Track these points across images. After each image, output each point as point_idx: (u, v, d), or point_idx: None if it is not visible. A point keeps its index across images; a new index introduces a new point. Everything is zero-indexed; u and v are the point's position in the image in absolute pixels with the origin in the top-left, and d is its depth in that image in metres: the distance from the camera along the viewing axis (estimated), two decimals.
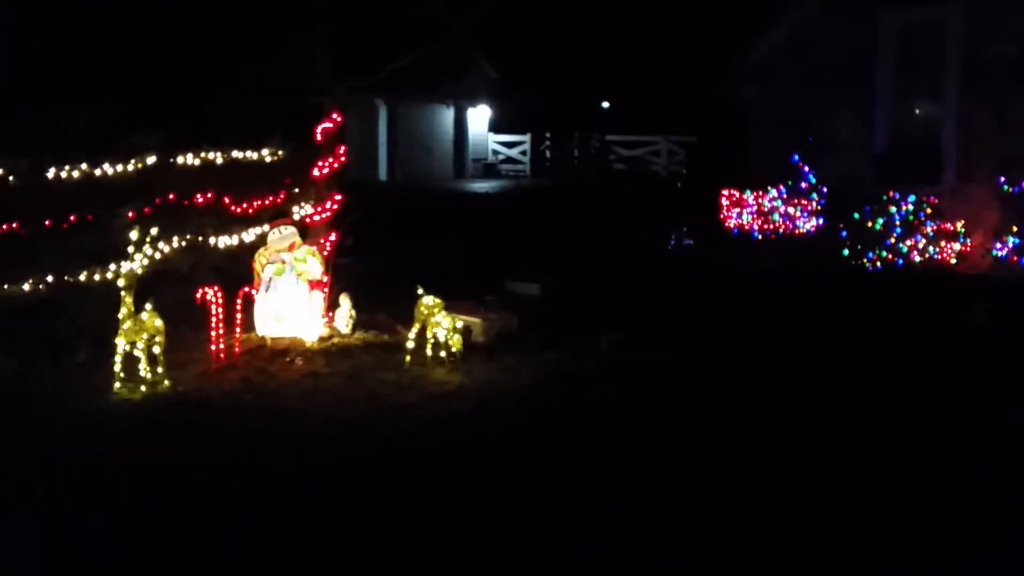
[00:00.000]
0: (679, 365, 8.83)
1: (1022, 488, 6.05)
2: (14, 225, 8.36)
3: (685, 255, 15.53)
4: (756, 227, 16.06)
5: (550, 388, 8.21)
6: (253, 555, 5.20)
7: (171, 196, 9.19)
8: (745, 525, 5.48)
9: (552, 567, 5.04)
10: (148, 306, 8.23)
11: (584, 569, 5.04)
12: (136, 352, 8.11)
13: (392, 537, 5.38)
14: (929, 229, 13.75)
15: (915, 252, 13.71)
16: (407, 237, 15.45)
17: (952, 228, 13.71)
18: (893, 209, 13.99)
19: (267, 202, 10.10)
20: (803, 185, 15.53)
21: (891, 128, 15.22)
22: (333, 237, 10.27)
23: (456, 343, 8.89)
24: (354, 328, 9.89)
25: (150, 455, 6.65)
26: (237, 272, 9.71)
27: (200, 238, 9.38)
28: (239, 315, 9.30)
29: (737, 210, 16.37)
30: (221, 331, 8.99)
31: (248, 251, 9.77)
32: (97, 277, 8.50)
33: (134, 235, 8.35)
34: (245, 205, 9.86)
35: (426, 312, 8.94)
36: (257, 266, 9.57)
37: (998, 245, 13.36)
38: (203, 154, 9.54)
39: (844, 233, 14.34)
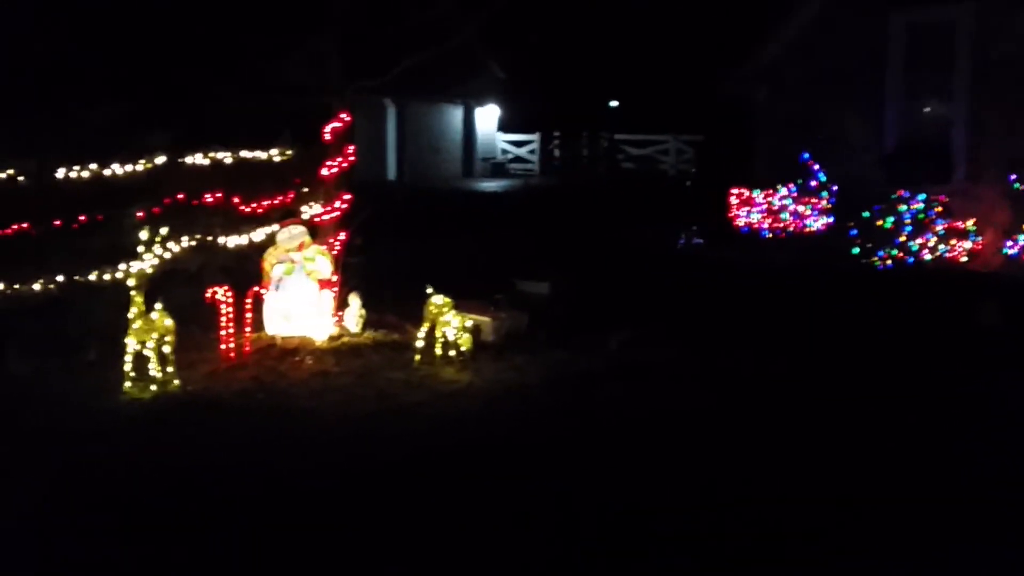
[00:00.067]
0: (688, 365, 8.82)
1: None
2: (24, 225, 8.38)
3: (694, 254, 15.51)
4: (766, 226, 16.02)
5: (559, 387, 8.21)
6: (261, 555, 5.20)
7: (180, 196, 9.20)
8: (746, 525, 5.47)
9: (552, 567, 5.03)
10: (158, 305, 8.25)
11: (584, 569, 5.03)
12: (146, 351, 8.12)
13: (397, 536, 5.38)
14: (939, 227, 13.70)
15: (925, 250, 13.67)
16: (416, 236, 15.45)
17: (962, 227, 13.66)
18: (903, 207, 13.94)
19: (276, 202, 10.12)
20: (813, 183, 15.49)
21: (901, 127, 15.17)
22: (342, 236, 10.28)
23: (465, 342, 8.89)
24: (364, 327, 9.90)
25: (160, 455, 6.66)
26: (247, 271, 9.72)
27: (209, 238, 9.39)
28: (249, 314, 9.31)
29: (746, 209, 16.33)
30: (231, 330, 9.00)
31: (257, 251, 9.78)
32: (107, 277, 8.52)
33: (144, 235, 8.36)
34: (254, 205, 9.87)
35: (435, 311, 8.94)
36: (267, 265, 9.58)
37: (1009, 243, 13.31)
38: (212, 154, 9.55)
39: (854, 232, 14.30)
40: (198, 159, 9.49)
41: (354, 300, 9.91)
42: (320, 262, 9.62)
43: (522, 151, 34.79)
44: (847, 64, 15.38)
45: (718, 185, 17.70)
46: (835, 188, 15.22)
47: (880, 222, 14.06)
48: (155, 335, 8.15)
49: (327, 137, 10.17)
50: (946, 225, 13.70)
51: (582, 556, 5.13)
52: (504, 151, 35.01)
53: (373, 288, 10.40)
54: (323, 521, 5.56)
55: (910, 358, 8.99)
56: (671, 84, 34.69)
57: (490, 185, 29.21)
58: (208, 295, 8.96)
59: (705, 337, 9.79)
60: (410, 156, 30.52)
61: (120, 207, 8.88)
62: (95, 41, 11.67)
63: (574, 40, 33.87)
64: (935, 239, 13.65)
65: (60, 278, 8.44)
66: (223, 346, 8.96)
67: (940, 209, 13.81)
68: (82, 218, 8.74)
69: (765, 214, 16.06)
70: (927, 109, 15.26)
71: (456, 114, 32.79)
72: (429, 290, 9.07)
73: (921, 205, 13.86)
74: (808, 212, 15.49)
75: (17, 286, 8.24)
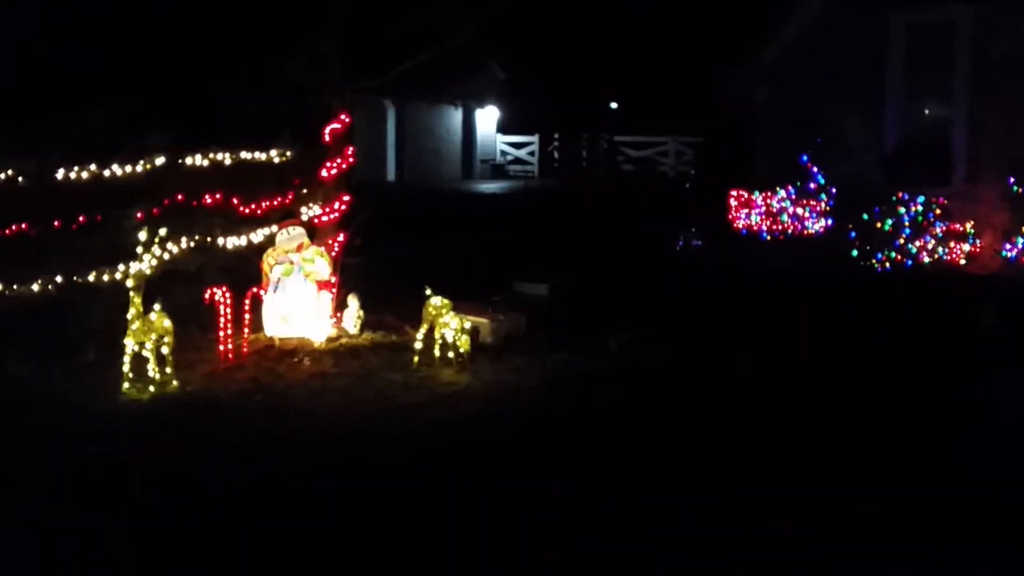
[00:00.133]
0: (687, 366, 8.81)
1: None
2: (23, 226, 8.38)
3: (693, 256, 15.51)
4: (765, 228, 16.03)
5: (558, 389, 8.21)
6: (260, 556, 5.20)
7: (180, 197, 9.20)
8: (746, 525, 5.47)
9: (552, 567, 5.03)
10: (157, 306, 8.25)
11: (584, 569, 5.03)
12: (145, 352, 8.12)
13: (395, 537, 5.38)
14: (938, 230, 13.71)
15: (924, 253, 13.68)
16: (415, 238, 15.44)
17: (961, 229, 13.67)
18: (902, 210, 13.95)
19: (275, 203, 10.12)
20: (812, 186, 15.50)
21: (900, 128, 15.18)
22: (341, 238, 10.27)
23: (464, 344, 8.89)
24: (362, 328, 9.90)
25: (158, 455, 6.65)
26: (245, 272, 9.72)
27: (208, 238, 9.39)
28: (247, 315, 9.31)
29: (746, 211, 16.34)
30: (229, 331, 9.00)
31: (256, 252, 9.78)
32: (106, 277, 8.52)
33: (143, 235, 8.36)
34: (253, 206, 9.87)
35: (434, 313, 8.94)
36: (265, 266, 9.58)
37: (1008, 246, 13.32)
38: (211, 155, 9.55)
39: (853, 234, 14.30)
40: (198, 160, 9.49)
41: (353, 301, 9.91)
42: (319, 263, 9.62)
43: (521, 152, 34.80)
44: (847, 65, 15.39)
45: (717, 187, 17.72)
46: (834, 190, 15.23)
47: (879, 224, 14.07)
48: (154, 336, 8.15)
49: (326, 138, 10.17)
50: (945, 227, 13.71)
51: (582, 556, 5.12)
52: (503, 152, 35.02)
53: (372, 289, 10.40)
54: (321, 522, 5.55)
55: (909, 360, 8.99)
56: (670, 86, 34.71)
57: (489, 186, 29.23)
58: (207, 296, 8.95)
59: (704, 339, 9.79)
60: (409, 157, 30.53)
61: (119, 208, 8.88)
62: (95, 41, 11.67)
63: (574, 41, 33.89)
64: (934, 241, 13.66)
65: (59, 279, 8.44)
66: (221, 347, 8.96)
67: (939, 211, 13.82)
68: (81, 219, 8.74)
69: (764, 216, 16.07)
70: (926, 110, 15.27)
71: (456, 115, 32.79)
72: (428, 291, 9.07)
73: (920, 207, 13.87)
74: (807, 214, 15.50)
75: (16, 286, 8.24)
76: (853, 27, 15.40)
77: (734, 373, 8.59)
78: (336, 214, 10.28)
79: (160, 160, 9.13)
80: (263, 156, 10.11)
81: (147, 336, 8.11)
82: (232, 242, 9.75)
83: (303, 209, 10.28)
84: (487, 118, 34.13)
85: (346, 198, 10.33)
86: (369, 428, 7.26)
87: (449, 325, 8.87)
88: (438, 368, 8.77)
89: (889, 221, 13.98)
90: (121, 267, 8.47)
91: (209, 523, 5.54)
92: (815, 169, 15.45)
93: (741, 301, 11.61)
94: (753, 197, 16.23)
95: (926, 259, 13.66)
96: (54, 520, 5.60)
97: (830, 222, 15.18)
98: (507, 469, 6.34)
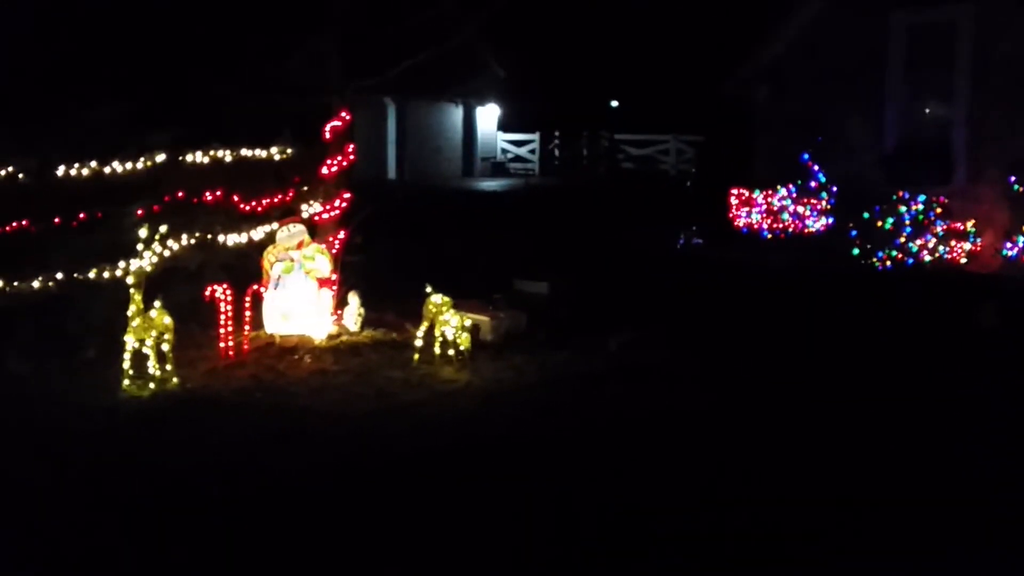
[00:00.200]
0: (687, 366, 8.82)
1: None
2: (24, 223, 8.38)
3: (694, 254, 15.51)
4: (765, 226, 16.03)
5: (558, 387, 8.21)
6: (260, 554, 5.20)
7: (180, 194, 9.20)
8: (746, 525, 5.47)
9: (552, 567, 5.03)
10: (157, 303, 8.26)
11: (584, 569, 5.03)
12: (145, 349, 8.13)
13: (395, 536, 5.38)
14: (939, 229, 13.70)
15: (925, 252, 13.67)
16: (416, 236, 15.45)
17: (962, 228, 13.66)
18: (903, 208, 13.94)
19: (276, 200, 10.12)
20: (813, 184, 15.49)
21: (901, 127, 15.17)
22: (342, 235, 10.28)
23: (464, 341, 8.90)
24: (362, 326, 9.90)
25: (158, 453, 6.66)
26: (246, 270, 9.72)
27: (209, 236, 9.39)
28: (248, 313, 9.32)
29: (746, 209, 16.33)
30: (230, 329, 9.00)
31: (257, 249, 9.79)
32: (107, 275, 8.52)
33: (143, 233, 8.37)
34: (254, 203, 9.88)
35: (434, 310, 8.95)
36: (266, 264, 9.59)
37: (1008, 245, 13.31)
38: (212, 152, 9.55)
39: (854, 232, 14.30)
40: (198, 157, 9.49)
41: (353, 299, 9.91)
42: (319, 261, 9.63)
43: (522, 151, 34.78)
44: (847, 64, 15.38)
45: (718, 185, 17.71)
46: (835, 189, 15.22)
47: (880, 223, 14.06)
48: (154, 333, 8.16)
49: (327, 136, 10.18)
50: (946, 226, 13.70)
51: (582, 556, 5.12)
52: (504, 150, 35.01)
53: (372, 287, 10.41)
54: (321, 520, 5.56)
55: (909, 360, 8.98)
56: (671, 84, 34.69)
57: (490, 184, 29.22)
58: (207, 293, 8.96)
59: (704, 338, 9.79)
60: (410, 155, 30.52)
61: (120, 205, 8.87)
62: (96, 40, 11.67)
63: (575, 40, 33.89)
64: (935, 240, 13.66)
65: (60, 276, 8.44)
66: (222, 344, 8.97)
67: (940, 210, 13.81)
68: (82, 216, 8.74)
69: (765, 215, 16.06)
70: (927, 109, 15.26)
71: (456, 113, 32.78)
72: (428, 289, 9.08)
73: (921, 206, 13.87)
74: (808, 213, 15.49)
75: (17, 283, 8.24)
76: (854, 26, 15.39)
77: (734, 373, 8.59)
78: (337, 212, 10.29)
79: (161, 157, 9.13)
80: (264, 153, 10.11)
81: (147, 333, 8.12)
82: (233, 239, 9.75)
83: (304, 207, 10.28)
84: (488, 116, 34.12)
85: (346, 196, 10.34)
86: (369, 426, 7.26)
87: (449, 323, 8.87)
88: (438, 366, 8.77)
89: (890, 220, 13.97)
90: (122, 264, 8.47)
91: (209, 522, 5.55)
92: (816, 168, 15.44)
93: (742, 300, 11.61)
94: (754, 196, 16.22)
95: (927, 258, 13.66)
96: (54, 518, 5.60)
97: (831, 221, 15.18)
98: (507, 468, 6.34)
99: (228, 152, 9.69)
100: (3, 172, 8.29)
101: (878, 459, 6.53)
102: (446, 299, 8.99)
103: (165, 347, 8.24)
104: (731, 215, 16.59)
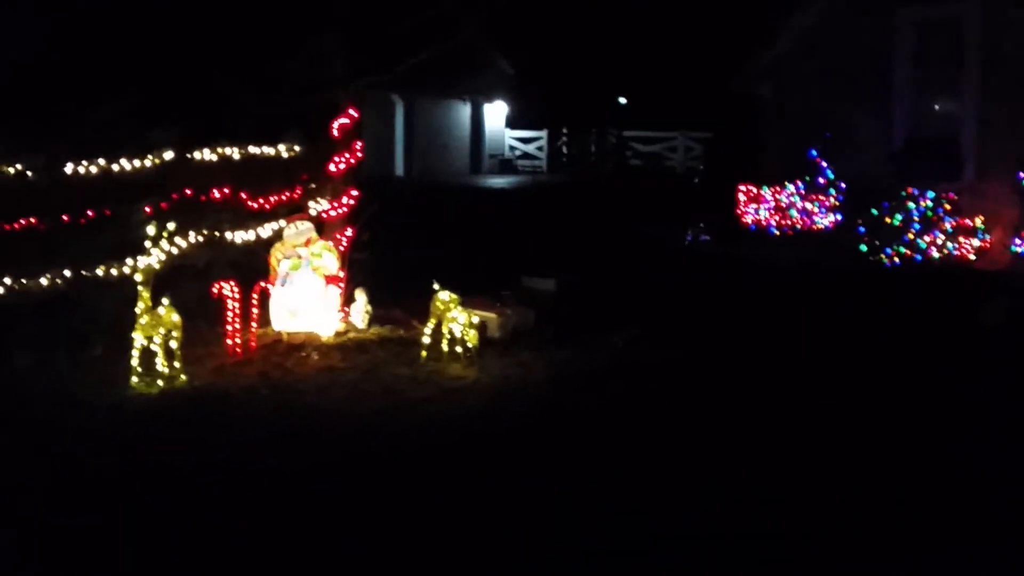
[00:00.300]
0: (693, 364, 8.81)
1: None
2: (32, 220, 8.40)
3: (702, 251, 15.49)
4: (773, 223, 16.00)
5: (564, 385, 8.21)
6: (266, 551, 5.21)
7: (188, 191, 9.22)
8: (746, 525, 5.46)
9: (553, 567, 5.03)
10: (165, 301, 8.27)
11: (584, 569, 5.03)
12: (153, 346, 8.15)
13: (400, 534, 5.38)
14: (947, 225, 13.66)
15: (933, 248, 13.63)
16: (423, 233, 15.45)
17: (971, 224, 13.61)
18: (911, 205, 13.90)
19: (284, 197, 10.13)
20: (821, 181, 15.46)
21: (909, 124, 15.12)
22: (349, 232, 10.29)
23: (472, 338, 8.90)
24: (370, 323, 9.92)
25: (166, 450, 6.68)
26: (253, 267, 9.74)
27: (217, 233, 9.40)
28: (255, 310, 9.33)
29: (754, 206, 16.31)
30: (237, 326, 9.02)
31: (264, 246, 9.80)
32: (114, 272, 8.54)
33: (151, 230, 8.39)
34: (262, 200, 9.89)
35: (442, 307, 8.95)
36: (273, 261, 9.61)
37: (1017, 241, 13.26)
38: (220, 150, 9.57)
39: (862, 229, 14.27)
40: (206, 155, 9.50)
41: (360, 296, 9.93)
42: (327, 258, 9.64)
43: (530, 147, 34.76)
44: (855, 60, 15.34)
45: (726, 182, 17.66)
46: (843, 185, 15.18)
47: (888, 219, 14.03)
48: (162, 330, 8.18)
49: (335, 133, 10.19)
50: (954, 223, 13.66)
51: (582, 556, 5.12)
52: (512, 147, 34.98)
53: (380, 284, 10.42)
54: (326, 518, 5.57)
55: (915, 358, 8.96)
56: (679, 81, 34.62)
57: (498, 181, 29.21)
58: (215, 290, 8.98)
59: (711, 336, 9.78)
60: (418, 152, 30.52)
61: (128, 202, 8.89)
62: (104, 38, 11.69)
63: (582, 37, 33.81)
64: (943, 237, 13.61)
65: (68, 273, 8.46)
66: (229, 341, 8.99)
67: (948, 207, 13.77)
68: (90, 213, 8.76)
69: (773, 211, 16.04)
70: (936, 105, 15.20)
71: (464, 110, 32.78)
72: (436, 286, 9.08)
73: (929, 203, 13.82)
74: (816, 209, 15.46)
75: (25, 280, 8.27)
76: (861, 22, 15.34)
77: (739, 372, 8.57)
78: (344, 209, 10.30)
79: (169, 155, 9.15)
80: (271, 151, 10.12)
81: (155, 330, 8.14)
82: (240, 237, 9.77)
83: (311, 204, 10.29)
84: (496, 113, 34.11)
85: (354, 193, 10.35)
86: (376, 423, 7.28)
87: (457, 320, 8.88)
88: (446, 363, 8.78)
89: (898, 216, 13.94)
90: (129, 261, 8.49)
91: (216, 520, 5.56)
92: (824, 164, 15.40)
93: (748, 297, 11.58)
94: (762, 192, 16.19)
95: (935, 254, 13.61)
96: (61, 515, 5.62)
97: (839, 217, 15.14)
98: (512, 466, 6.35)
99: (236, 149, 9.70)
100: (11, 170, 8.31)
101: (878, 459, 6.52)
102: (453, 296, 8.99)
103: (173, 344, 8.27)
104: (739, 212, 16.56)
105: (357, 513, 5.66)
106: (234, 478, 6.16)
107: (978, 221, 13.60)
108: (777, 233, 15.89)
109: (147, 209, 8.89)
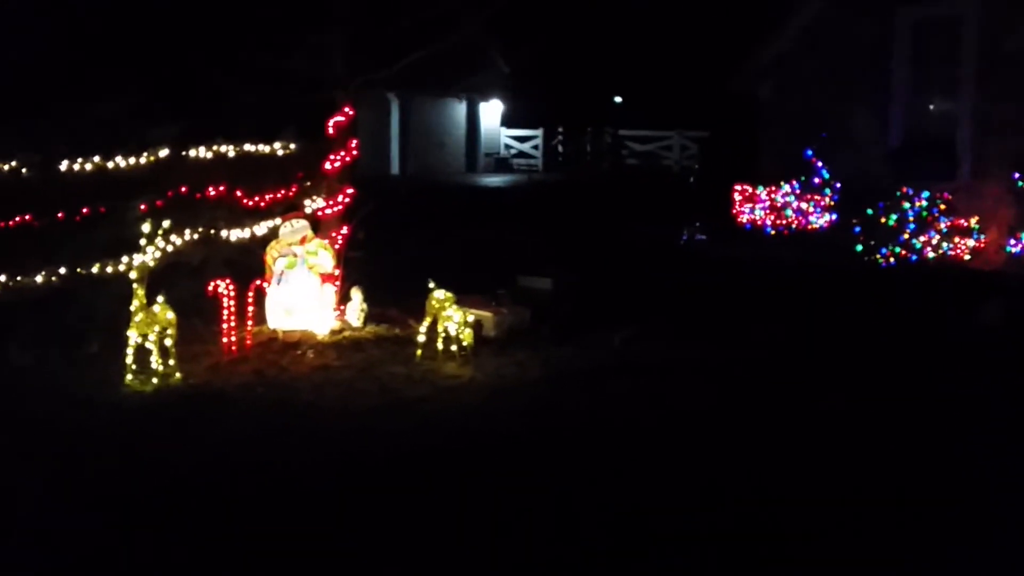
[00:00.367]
0: (689, 363, 8.80)
1: None
2: (27, 217, 8.38)
3: (697, 251, 15.49)
4: (769, 223, 15.99)
5: (560, 384, 8.20)
6: (261, 550, 5.20)
7: (183, 189, 9.20)
8: (746, 525, 5.45)
9: (553, 567, 5.02)
10: (160, 298, 8.26)
11: (584, 569, 5.02)
12: (148, 344, 8.13)
13: (396, 534, 5.37)
14: (943, 225, 13.67)
15: (929, 248, 13.64)
16: (419, 231, 15.44)
17: (966, 224, 13.62)
18: (907, 205, 13.91)
19: (279, 195, 10.10)
20: (816, 180, 15.45)
21: (905, 123, 15.12)
22: (345, 231, 10.28)
23: (467, 337, 8.89)
24: (365, 321, 9.90)
25: (160, 448, 6.66)
26: (249, 265, 9.72)
27: (212, 231, 9.38)
28: (251, 308, 9.32)
29: (750, 205, 16.30)
30: (233, 324, 9.00)
31: (260, 244, 9.78)
32: (110, 269, 8.51)
33: (147, 228, 8.37)
34: (257, 198, 9.86)
35: (437, 306, 8.94)
36: (269, 259, 9.59)
37: (1012, 241, 13.27)
38: (215, 147, 9.55)
39: (858, 229, 14.27)
40: (201, 152, 9.48)
41: (356, 294, 9.91)
42: (322, 256, 9.62)
43: (526, 146, 34.75)
44: (852, 60, 15.34)
45: (722, 181, 17.65)
46: (839, 185, 15.18)
47: (884, 219, 14.03)
48: (157, 328, 8.16)
49: (330, 131, 10.17)
50: (949, 223, 13.67)
51: (582, 556, 5.11)
52: (508, 146, 34.97)
53: (375, 282, 10.40)
54: (322, 517, 5.55)
55: (911, 358, 8.97)
56: (675, 80, 34.63)
57: (493, 180, 29.19)
58: (210, 288, 8.96)
59: (707, 335, 9.77)
60: (413, 150, 30.50)
61: (123, 200, 8.87)
62: (100, 34, 11.67)
63: (578, 36, 33.81)
64: (938, 237, 13.62)
65: (63, 270, 8.44)
66: (225, 339, 8.97)
67: (944, 206, 13.78)
68: (85, 210, 8.73)
69: (769, 211, 16.03)
70: (932, 105, 15.21)
71: (460, 109, 32.76)
72: (431, 284, 9.07)
73: (925, 202, 13.83)
74: (812, 209, 15.45)
75: (20, 278, 8.24)
76: (858, 22, 15.34)
77: (736, 371, 8.57)
78: (340, 207, 10.28)
79: (164, 152, 9.12)
80: (267, 149, 10.10)
81: (150, 328, 8.12)
82: (236, 234, 9.74)
83: (307, 202, 10.27)
84: (491, 112, 34.09)
85: (350, 191, 10.33)
86: (371, 421, 7.26)
87: (452, 318, 8.87)
88: (441, 361, 8.77)
89: (894, 216, 13.94)
90: (125, 259, 8.47)
91: (210, 518, 5.54)
92: (820, 164, 15.40)
93: (744, 297, 11.58)
94: (757, 192, 16.18)
95: (930, 254, 13.62)
96: (55, 513, 5.60)
97: (834, 217, 15.14)
98: (508, 466, 6.33)
99: (231, 147, 9.68)
100: (7, 167, 8.28)
101: (878, 459, 6.51)
102: (449, 295, 8.98)
103: (168, 342, 8.25)
104: (735, 211, 16.54)
105: (353, 512, 5.64)
106: (229, 476, 6.14)
107: (973, 221, 13.61)
108: (772, 233, 15.88)
109: (142, 207, 8.87)
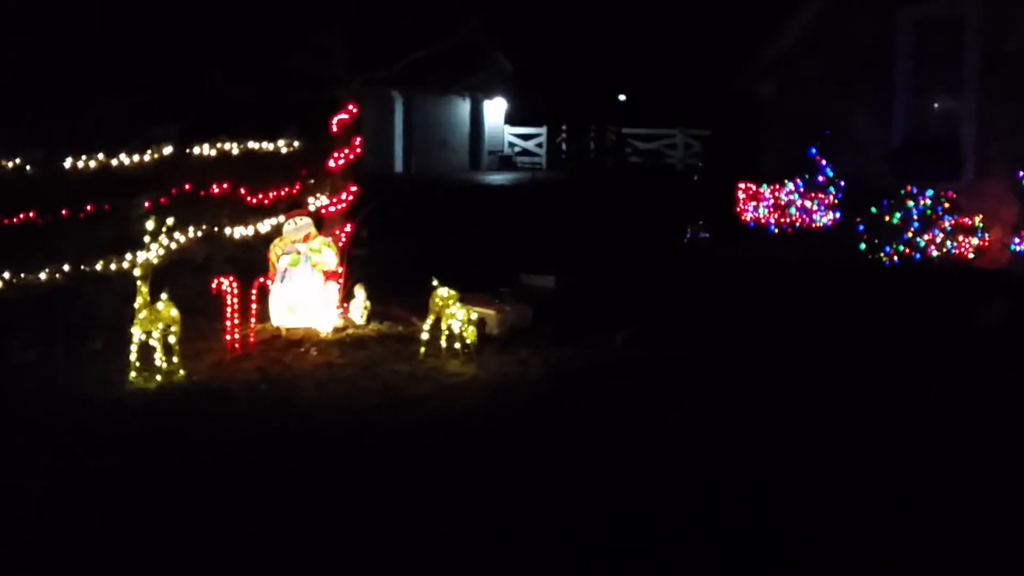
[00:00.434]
0: (691, 362, 8.79)
1: None
2: (31, 215, 8.39)
3: (701, 249, 15.48)
4: (772, 221, 15.99)
5: (563, 382, 8.21)
6: (263, 548, 5.21)
7: (187, 186, 9.21)
8: (746, 525, 5.45)
9: (552, 567, 5.02)
10: (164, 296, 8.27)
11: (584, 569, 5.02)
12: (152, 342, 8.14)
13: (397, 534, 5.37)
14: (947, 224, 13.66)
15: (932, 247, 13.63)
16: (422, 229, 15.45)
17: (970, 223, 13.61)
18: (911, 203, 13.90)
19: (283, 193, 10.12)
20: (820, 179, 15.45)
21: (909, 122, 15.11)
22: (348, 228, 10.29)
23: (470, 335, 8.89)
24: (368, 319, 9.91)
25: (163, 445, 6.67)
26: (252, 262, 9.73)
27: (216, 228, 9.40)
28: (254, 305, 9.32)
29: (753, 204, 16.30)
30: (236, 321, 9.01)
31: (263, 242, 9.79)
32: (113, 267, 8.53)
33: (150, 225, 8.38)
34: (261, 196, 9.88)
35: (441, 304, 8.94)
36: (272, 256, 9.60)
37: (1016, 240, 13.26)
38: (219, 145, 9.56)
39: (861, 227, 14.26)
40: (205, 150, 9.50)
41: (359, 292, 9.92)
42: (326, 254, 9.63)
43: (529, 144, 34.74)
44: (855, 58, 15.33)
45: (725, 180, 17.65)
46: (842, 183, 15.17)
47: (887, 218, 14.02)
48: (160, 325, 8.17)
49: (334, 129, 10.18)
50: (953, 221, 13.66)
51: (582, 556, 5.11)
52: (511, 144, 34.97)
53: (378, 280, 10.41)
54: (324, 516, 5.56)
55: (915, 357, 8.96)
56: (679, 79, 34.60)
57: (497, 178, 29.18)
58: (214, 286, 8.97)
59: (710, 334, 9.77)
60: (417, 148, 30.50)
61: (127, 197, 8.89)
62: (103, 32, 11.68)
63: (582, 34, 33.78)
64: (942, 235, 13.62)
65: (67, 267, 8.46)
66: (228, 337, 8.98)
67: (948, 205, 13.77)
68: (89, 208, 8.74)
69: (772, 209, 16.03)
70: (935, 104, 15.20)
71: (463, 107, 32.75)
72: (434, 282, 9.07)
73: (928, 201, 13.82)
74: (815, 207, 15.45)
75: (24, 275, 8.26)
76: (861, 20, 15.33)
77: (738, 370, 8.57)
78: (343, 205, 10.29)
79: (168, 150, 9.14)
80: (271, 146, 10.11)
81: (154, 325, 8.13)
82: (239, 232, 9.76)
83: (310, 200, 10.28)
84: (495, 109, 34.09)
85: (353, 189, 10.35)
86: (374, 419, 7.27)
87: (455, 316, 8.87)
88: (444, 359, 8.77)
89: (897, 215, 13.93)
90: (128, 256, 8.49)
91: (212, 517, 5.55)
92: (823, 162, 15.39)
93: (747, 296, 11.57)
94: (761, 190, 16.18)
95: (934, 253, 13.61)
96: (57, 511, 5.61)
97: (838, 215, 15.14)
98: (510, 465, 6.33)
99: (235, 145, 9.69)
100: (10, 164, 8.30)
101: (878, 459, 6.51)
102: (452, 292, 8.99)
103: (171, 339, 8.26)
104: (738, 210, 16.54)
105: (355, 510, 5.64)
106: (231, 474, 6.15)
107: (977, 220, 13.60)
108: (776, 231, 15.88)
109: (146, 204, 8.88)
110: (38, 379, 8.05)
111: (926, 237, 13.68)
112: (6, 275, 8.12)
